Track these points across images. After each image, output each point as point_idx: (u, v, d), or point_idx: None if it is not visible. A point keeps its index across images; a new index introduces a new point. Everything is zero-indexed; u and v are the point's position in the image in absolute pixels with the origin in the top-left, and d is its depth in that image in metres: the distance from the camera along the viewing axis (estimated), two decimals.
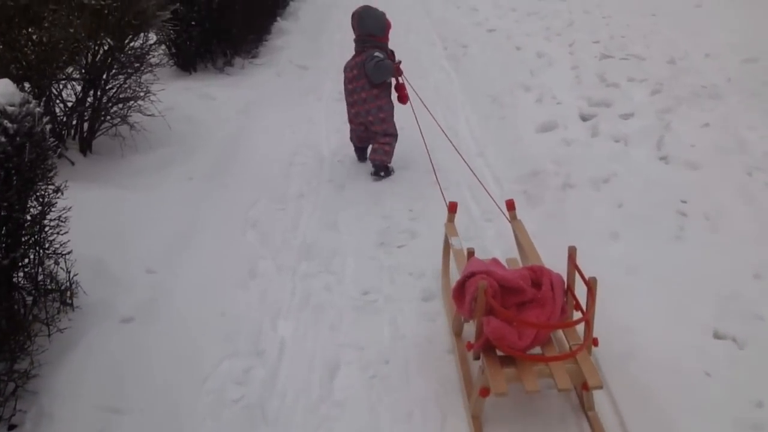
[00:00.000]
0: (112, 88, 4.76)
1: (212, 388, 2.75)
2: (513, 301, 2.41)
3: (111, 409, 2.61)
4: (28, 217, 2.81)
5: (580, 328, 2.40)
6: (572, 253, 2.48)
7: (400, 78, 4.33)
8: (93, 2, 3.97)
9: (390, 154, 4.47)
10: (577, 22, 7.58)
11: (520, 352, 2.28)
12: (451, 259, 3.01)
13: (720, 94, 4.93)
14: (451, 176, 4.30)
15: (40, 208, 2.93)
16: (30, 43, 4.04)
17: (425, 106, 4.33)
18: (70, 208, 3.18)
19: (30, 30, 3.99)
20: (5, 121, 2.45)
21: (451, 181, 4.23)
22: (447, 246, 3.10)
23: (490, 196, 3.47)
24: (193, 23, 6.70)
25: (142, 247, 3.73)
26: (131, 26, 4.48)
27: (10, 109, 2.49)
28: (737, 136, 4.13)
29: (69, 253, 3.17)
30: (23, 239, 2.78)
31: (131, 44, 4.74)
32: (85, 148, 4.82)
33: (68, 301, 3.14)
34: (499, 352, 2.32)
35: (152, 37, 5.08)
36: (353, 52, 4.47)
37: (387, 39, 4.41)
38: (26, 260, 2.89)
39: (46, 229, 3.04)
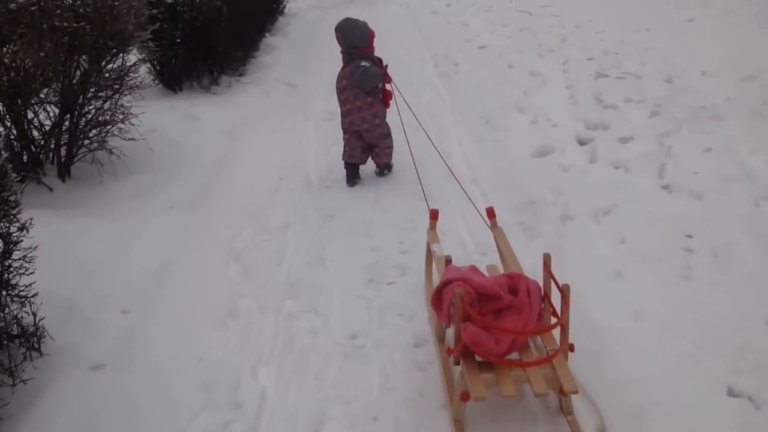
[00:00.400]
0: (88, 112, 4.56)
1: None
2: (490, 308, 2.45)
3: None
4: None
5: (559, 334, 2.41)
6: (547, 260, 2.53)
7: (387, 85, 4.43)
8: (65, 24, 3.77)
9: (391, 154, 4.68)
10: (570, 37, 7.45)
11: (497, 357, 2.32)
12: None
13: (720, 115, 4.78)
14: (445, 205, 4.11)
15: (3, 246, 2.75)
16: (2, 67, 3.86)
17: (425, 131, 4.40)
18: (36, 247, 3.00)
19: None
20: None
21: (445, 211, 4.03)
22: (429, 252, 3.18)
23: (485, 219, 3.35)
24: (178, 41, 6.52)
25: (117, 284, 3.54)
26: (107, 48, 4.29)
27: None
28: (741, 161, 3.96)
29: (35, 295, 2.98)
30: None
31: (109, 66, 4.55)
32: (64, 173, 4.64)
33: (35, 346, 2.94)
34: (478, 358, 2.37)
35: (131, 59, 4.89)
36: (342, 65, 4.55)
37: (372, 48, 4.49)
38: None
39: (11, 270, 2.85)
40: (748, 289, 2.83)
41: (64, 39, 3.98)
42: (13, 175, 2.82)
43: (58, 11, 3.75)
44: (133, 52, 5.17)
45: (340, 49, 4.52)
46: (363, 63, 4.30)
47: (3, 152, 2.68)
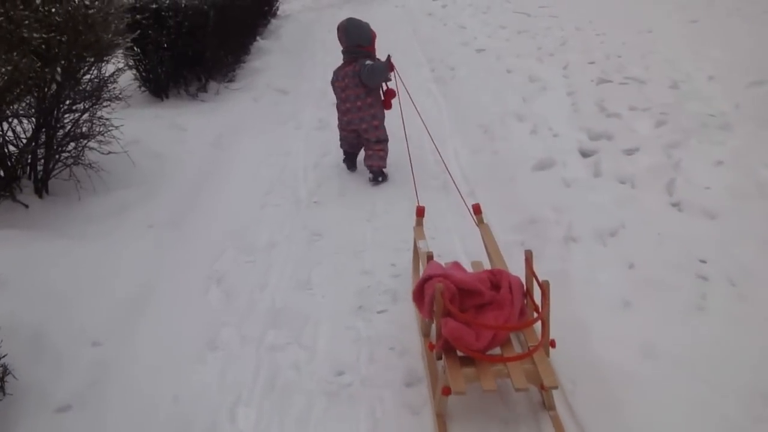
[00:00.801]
0: (63, 126, 4.32)
1: None
2: (471, 303, 2.48)
3: None
4: None
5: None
6: (528, 257, 2.56)
7: (391, 81, 4.39)
8: (35, 35, 3.54)
9: (384, 158, 4.59)
10: (570, 40, 7.22)
11: (477, 352, 2.33)
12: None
13: (730, 123, 4.54)
14: (441, 222, 3.88)
15: None
16: None
17: (431, 137, 4.38)
18: None
19: None
20: None
21: (441, 229, 3.82)
22: (416, 248, 3.19)
23: (472, 215, 3.29)
24: (164, 47, 6.28)
25: (90, 312, 3.30)
26: (83, 59, 4.05)
27: None
28: (755, 176, 3.72)
29: None
30: None
31: (85, 77, 4.30)
32: (41, 189, 4.39)
33: None
34: (459, 353, 2.39)
35: (110, 68, 4.64)
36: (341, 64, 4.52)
37: (374, 48, 4.51)
38: None
39: None
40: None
41: (39, 49, 3.75)
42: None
43: (26, 22, 3.50)
44: (116, 60, 4.93)
45: (338, 52, 4.52)
46: (368, 62, 4.34)
47: None
